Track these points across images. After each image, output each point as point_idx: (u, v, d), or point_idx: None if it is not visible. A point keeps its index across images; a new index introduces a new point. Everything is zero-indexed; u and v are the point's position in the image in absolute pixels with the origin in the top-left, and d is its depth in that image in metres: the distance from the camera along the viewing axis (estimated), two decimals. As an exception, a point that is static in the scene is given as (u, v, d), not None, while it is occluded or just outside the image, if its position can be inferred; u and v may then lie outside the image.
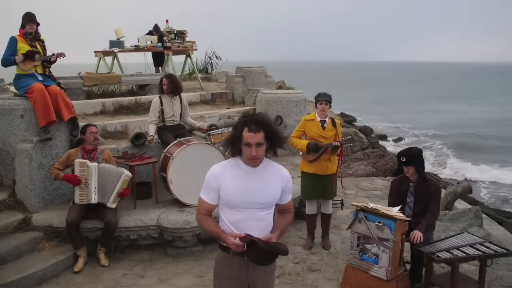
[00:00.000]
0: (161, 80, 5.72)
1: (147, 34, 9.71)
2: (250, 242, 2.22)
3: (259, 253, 2.23)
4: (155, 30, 9.80)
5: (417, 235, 3.73)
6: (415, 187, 4.00)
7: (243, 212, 2.33)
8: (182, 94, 5.88)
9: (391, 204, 4.03)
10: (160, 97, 5.69)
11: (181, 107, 5.80)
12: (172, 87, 5.64)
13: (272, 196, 2.39)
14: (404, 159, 3.92)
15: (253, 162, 2.31)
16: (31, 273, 4.04)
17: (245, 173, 2.34)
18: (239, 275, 2.39)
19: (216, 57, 12.99)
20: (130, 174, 4.62)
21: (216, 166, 2.40)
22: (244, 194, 2.31)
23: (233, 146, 2.34)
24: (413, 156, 3.93)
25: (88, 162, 4.46)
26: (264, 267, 2.39)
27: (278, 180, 2.40)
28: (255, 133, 2.23)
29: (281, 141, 2.36)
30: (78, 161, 4.47)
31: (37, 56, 4.97)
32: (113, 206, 4.55)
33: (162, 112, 5.64)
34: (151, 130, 5.58)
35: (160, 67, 10.37)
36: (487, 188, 12.71)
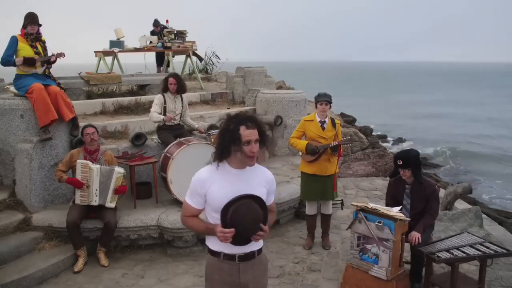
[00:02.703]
0: (167, 79, 5.71)
1: (151, 34, 9.72)
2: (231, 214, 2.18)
3: (243, 218, 2.19)
4: (155, 26, 9.80)
5: (415, 236, 3.72)
6: (411, 189, 3.97)
7: None
8: (183, 94, 5.89)
9: (388, 204, 4.02)
10: (163, 95, 5.69)
11: (182, 107, 5.80)
12: (179, 86, 5.66)
13: None
14: (401, 162, 3.86)
15: (252, 160, 2.29)
16: (31, 273, 4.04)
17: (233, 176, 2.32)
18: (231, 279, 2.36)
19: (213, 61, 12.92)
20: (122, 170, 4.58)
21: (202, 170, 2.38)
22: (232, 197, 2.28)
23: (226, 149, 2.30)
24: (410, 159, 3.86)
25: (90, 163, 4.46)
26: (255, 270, 2.38)
27: (263, 182, 2.41)
28: (253, 129, 2.25)
29: (268, 140, 2.36)
30: (80, 162, 4.47)
31: (37, 57, 4.98)
32: (112, 205, 4.54)
33: (164, 110, 5.65)
34: (160, 116, 5.56)
35: (161, 67, 10.37)
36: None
